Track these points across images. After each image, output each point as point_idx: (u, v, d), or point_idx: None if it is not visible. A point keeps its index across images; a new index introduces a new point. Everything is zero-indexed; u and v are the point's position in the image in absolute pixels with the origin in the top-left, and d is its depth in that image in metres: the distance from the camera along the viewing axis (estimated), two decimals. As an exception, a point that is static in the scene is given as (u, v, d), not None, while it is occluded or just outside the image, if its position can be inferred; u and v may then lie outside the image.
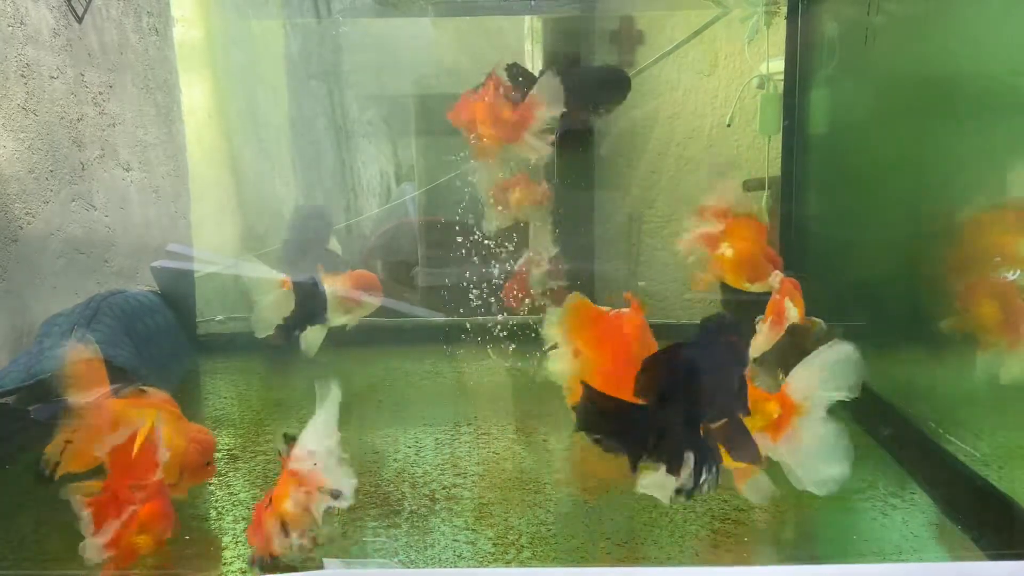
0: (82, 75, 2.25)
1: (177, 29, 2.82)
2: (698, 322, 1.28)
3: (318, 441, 1.40)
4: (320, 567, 1.33)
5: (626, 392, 1.24)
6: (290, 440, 1.40)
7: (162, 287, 2.51)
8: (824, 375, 1.32)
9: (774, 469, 1.37)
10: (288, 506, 1.33)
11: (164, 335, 2.39)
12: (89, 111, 2.28)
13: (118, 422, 1.40)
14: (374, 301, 2.29)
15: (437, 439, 1.98)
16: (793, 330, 1.74)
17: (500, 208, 2.48)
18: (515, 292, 2.54)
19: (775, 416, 1.33)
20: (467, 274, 2.61)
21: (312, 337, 2.18)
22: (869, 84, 2.41)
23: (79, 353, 1.41)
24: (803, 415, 1.32)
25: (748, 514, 1.57)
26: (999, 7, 1.85)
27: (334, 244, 2.36)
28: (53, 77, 2.12)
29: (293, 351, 2.24)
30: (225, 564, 1.44)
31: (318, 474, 1.37)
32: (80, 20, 2.24)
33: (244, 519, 1.58)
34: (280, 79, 3.11)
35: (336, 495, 1.37)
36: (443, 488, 1.69)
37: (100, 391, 1.43)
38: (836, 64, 2.57)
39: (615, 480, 1.72)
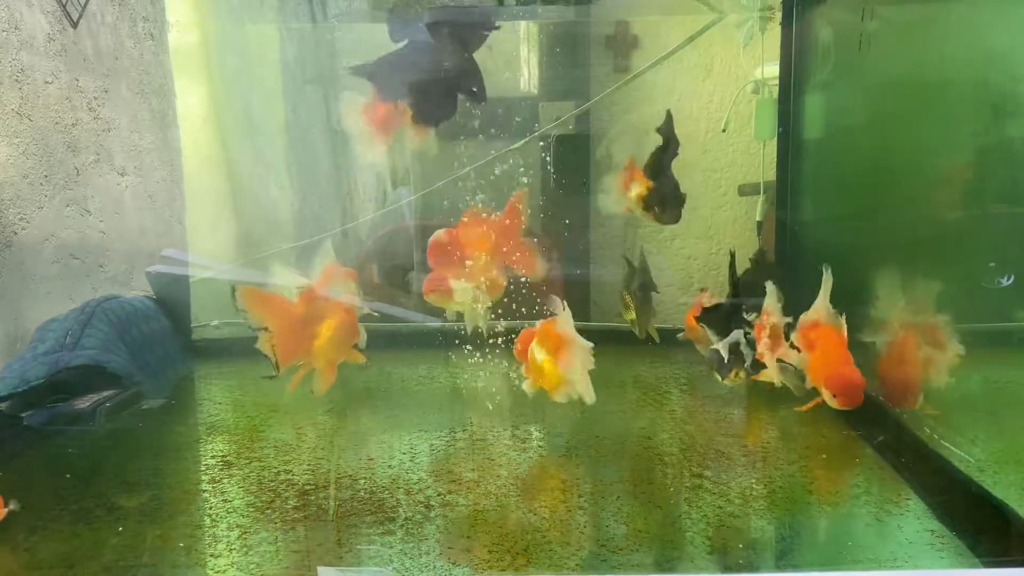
0: (77, 80, 2.25)
1: (172, 34, 2.82)
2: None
3: None
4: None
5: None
6: None
7: (157, 292, 2.51)
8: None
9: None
10: None
11: (159, 341, 2.39)
12: (84, 116, 2.28)
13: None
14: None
15: (432, 445, 1.98)
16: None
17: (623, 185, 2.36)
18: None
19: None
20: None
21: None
22: (863, 89, 2.42)
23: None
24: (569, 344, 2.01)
25: (743, 521, 1.56)
26: (993, 13, 1.86)
27: (329, 250, 2.33)
28: (48, 82, 2.12)
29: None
30: (220, 572, 1.44)
31: None
32: (75, 25, 2.24)
33: (239, 527, 1.58)
34: (276, 84, 3.10)
35: None
36: (438, 495, 1.69)
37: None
38: (831, 69, 2.58)
39: (611, 486, 1.73)
